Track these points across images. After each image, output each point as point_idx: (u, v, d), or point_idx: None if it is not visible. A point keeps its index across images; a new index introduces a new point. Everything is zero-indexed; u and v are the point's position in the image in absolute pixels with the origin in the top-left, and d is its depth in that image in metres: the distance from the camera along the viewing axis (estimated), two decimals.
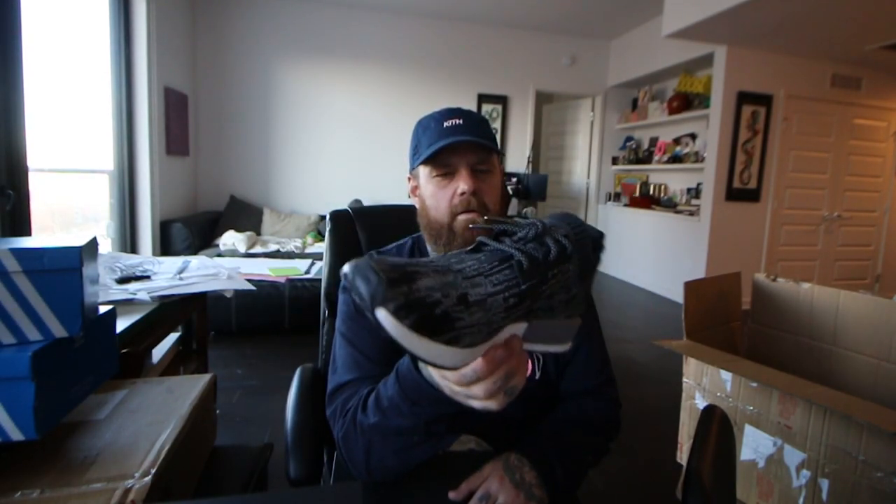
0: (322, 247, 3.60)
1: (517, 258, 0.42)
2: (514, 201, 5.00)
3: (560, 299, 0.45)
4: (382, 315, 0.34)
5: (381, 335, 0.35)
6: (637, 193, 5.15)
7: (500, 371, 0.43)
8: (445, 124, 0.78)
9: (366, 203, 4.06)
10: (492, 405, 0.45)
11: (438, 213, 0.79)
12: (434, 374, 0.49)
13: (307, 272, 3.16)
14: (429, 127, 0.80)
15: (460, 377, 0.44)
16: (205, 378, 0.91)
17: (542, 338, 0.45)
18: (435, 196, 0.79)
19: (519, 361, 0.44)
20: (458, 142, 0.75)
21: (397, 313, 0.34)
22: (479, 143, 0.76)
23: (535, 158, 5.61)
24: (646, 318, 3.92)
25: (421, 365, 0.52)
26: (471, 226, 0.79)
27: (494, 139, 0.82)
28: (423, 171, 0.81)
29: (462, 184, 0.76)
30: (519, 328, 0.43)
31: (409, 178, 0.87)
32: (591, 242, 0.49)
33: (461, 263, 0.41)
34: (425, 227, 0.83)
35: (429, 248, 0.87)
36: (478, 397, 0.45)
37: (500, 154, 0.84)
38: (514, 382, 0.45)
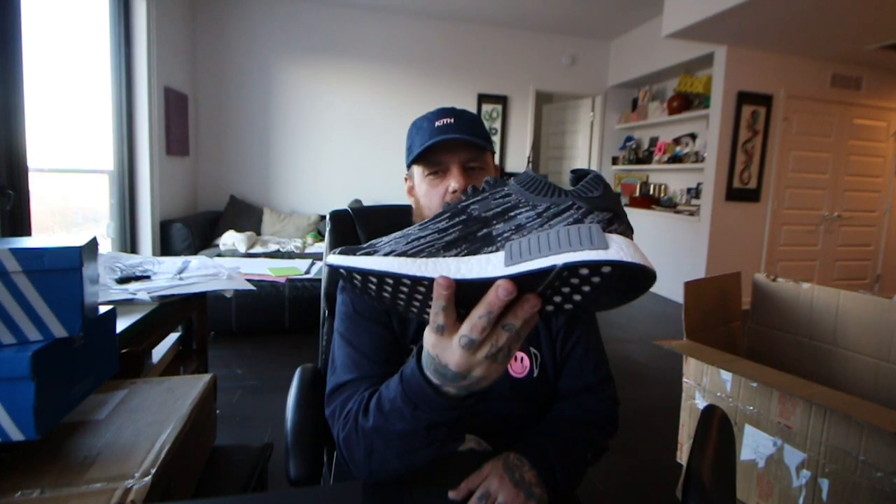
0: (322, 247, 3.60)
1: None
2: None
3: (525, 216, 0.42)
4: (328, 258, 0.45)
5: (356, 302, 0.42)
6: (637, 193, 5.15)
7: (487, 316, 0.40)
8: (437, 124, 0.79)
9: (366, 203, 4.07)
10: (489, 377, 0.46)
11: (431, 210, 0.80)
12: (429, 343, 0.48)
13: (307, 272, 3.16)
14: (422, 127, 0.81)
15: (430, 326, 0.45)
16: (205, 378, 0.91)
17: (533, 251, 0.38)
18: (428, 194, 0.80)
19: (497, 300, 0.39)
20: (447, 140, 0.76)
21: (332, 252, 0.45)
22: (469, 140, 0.77)
23: (535, 158, 5.60)
24: (646, 318, 3.93)
25: (425, 365, 0.52)
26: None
27: (488, 137, 0.83)
28: (417, 170, 0.82)
29: (453, 181, 0.77)
30: (496, 257, 0.41)
31: (406, 179, 0.88)
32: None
33: None
34: None
35: None
36: (476, 369, 0.45)
37: (493, 151, 0.84)
38: (509, 319, 0.41)
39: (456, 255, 0.42)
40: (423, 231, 0.44)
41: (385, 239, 0.46)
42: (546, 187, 0.44)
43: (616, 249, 0.37)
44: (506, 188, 0.45)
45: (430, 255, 0.42)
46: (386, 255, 0.43)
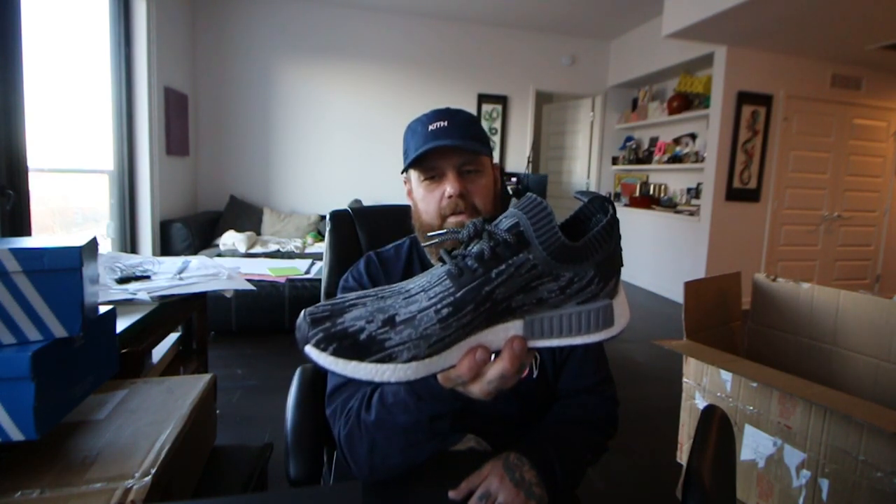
0: (322, 247, 3.60)
1: (448, 267, 0.42)
2: (514, 201, 4.99)
3: (548, 289, 0.41)
4: (308, 349, 0.39)
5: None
6: (637, 193, 5.15)
7: (490, 373, 0.43)
8: (431, 127, 0.78)
9: (366, 203, 4.07)
10: (486, 398, 0.47)
11: (429, 216, 0.80)
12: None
13: (307, 272, 3.16)
14: (416, 131, 0.80)
15: (445, 380, 0.45)
16: (205, 378, 0.91)
17: (554, 332, 0.42)
18: (425, 199, 0.80)
19: (512, 363, 0.42)
20: (438, 147, 0.75)
21: (318, 345, 0.39)
22: (462, 147, 0.76)
23: (535, 158, 5.60)
24: (646, 318, 3.92)
25: None
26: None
27: (483, 138, 0.82)
28: (413, 174, 0.82)
29: (448, 187, 0.77)
30: (514, 327, 0.42)
31: (405, 181, 0.87)
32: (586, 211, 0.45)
33: (411, 283, 0.43)
34: (418, 229, 0.84)
35: (425, 249, 0.87)
36: (473, 395, 0.47)
37: (488, 154, 0.84)
38: (514, 381, 0.45)
39: (475, 333, 0.42)
40: (446, 329, 0.40)
41: (393, 335, 0.39)
42: (570, 251, 0.40)
43: (617, 323, 0.43)
44: (531, 257, 0.40)
45: (452, 345, 0.41)
46: (408, 361, 0.39)
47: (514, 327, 0.42)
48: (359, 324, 0.40)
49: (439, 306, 0.40)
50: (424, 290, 0.41)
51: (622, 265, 0.44)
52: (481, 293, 0.40)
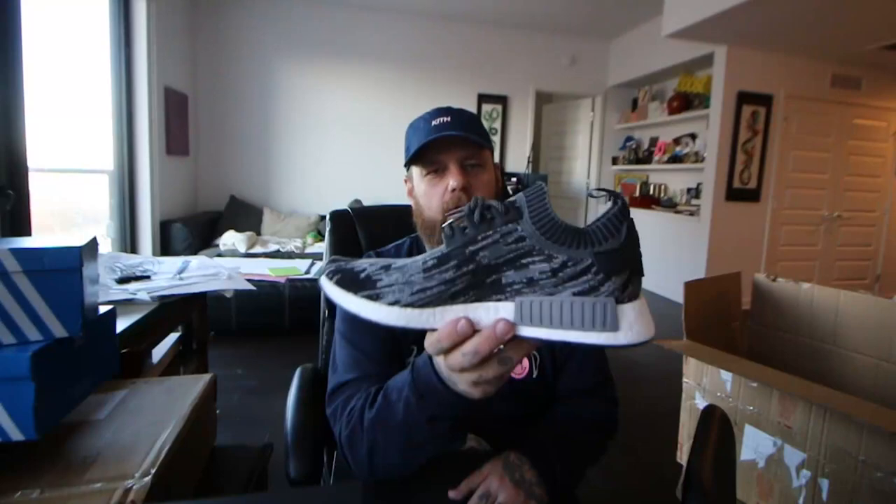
0: (322, 247, 3.60)
1: (444, 228, 0.44)
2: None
3: (539, 269, 0.40)
4: (322, 279, 0.46)
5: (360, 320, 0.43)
6: (637, 193, 5.15)
7: (466, 346, 0.42)
8: (433, 123, 0.78)
9: (366, 203, 4.06)
10: (474, 393, 0.47)
11: (431, 211, 0.80)
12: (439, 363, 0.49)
13: (307, 272, 3.16)
14: (418, 127, 0.81)
15: (427, 345, 0.45)
16: (205, 378, 0.91)
17: (545, 319, 0.40)
18: (427, 194, 0.80)
19: (487, 342, 0.41)
20: (443, 137, 0.76)
21: (328, 275, 0.45)
22: (465, 137, 0.76)
23: (535, 158, 5.60)
24: None
25: (434, 361, 0.52)
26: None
27: (485, 135, 0.82)
28: (416, 170, 0.82)
29: (452, 180, 0.77)
30: (504, 308, 0.41)
31: (406, 180, 0.87)
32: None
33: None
34: (420, 226, 0.84)
35: (427, 248, 0.87)
36: (450, 367, 0.46)
37: (490, 149, 0.84)
38: (495, 373, 0.44)
39: (463, 303, 0.42)
40: (428, 281, 0.41)
41: (384, 277, 0.44)
42: (564, 233, 0.40)
43: (625, 330, 0.40)
44: (519, 228, 0.40)
45: (437, 305, 0.42)
46: (391, 304, 0.42)
47: (504, 308, 0.41)
48: (363, 265, 0.46)
49: (427, 258, 0.44)
50: (423, 256, 0.45)
51: (642, 273, 0.42)
52: (465, 252, 0.42)
